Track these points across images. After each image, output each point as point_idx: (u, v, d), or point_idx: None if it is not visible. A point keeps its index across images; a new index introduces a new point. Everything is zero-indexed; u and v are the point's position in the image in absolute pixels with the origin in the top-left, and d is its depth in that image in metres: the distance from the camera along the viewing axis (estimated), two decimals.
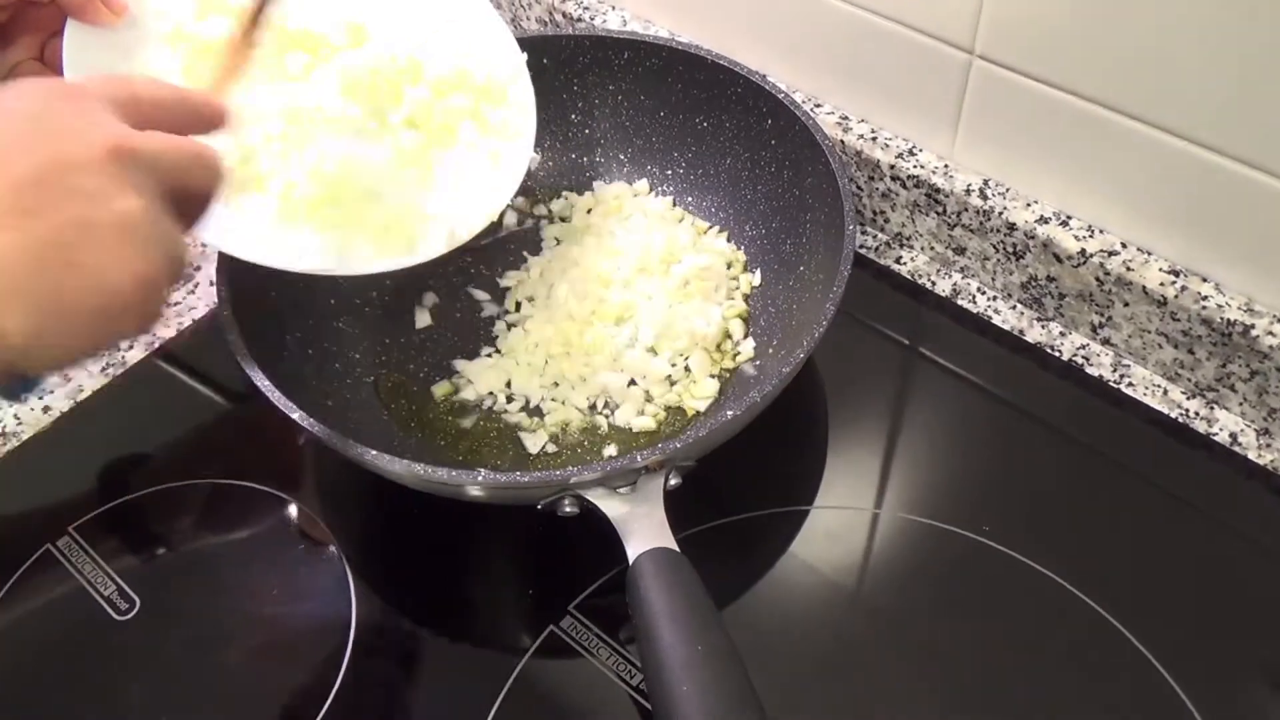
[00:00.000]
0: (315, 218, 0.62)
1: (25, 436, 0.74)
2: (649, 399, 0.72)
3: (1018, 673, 0.61)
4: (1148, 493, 0.69)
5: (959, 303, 0.79)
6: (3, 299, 0.38)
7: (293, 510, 0.70)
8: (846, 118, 0.81)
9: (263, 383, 0.60)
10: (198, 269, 0.83)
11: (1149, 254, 0.71)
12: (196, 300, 0.82)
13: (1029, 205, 0.75)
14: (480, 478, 0.59)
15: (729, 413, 0.60)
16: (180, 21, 0.63)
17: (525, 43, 0.79)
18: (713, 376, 0.72)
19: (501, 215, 0.73)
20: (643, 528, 0.57)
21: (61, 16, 0.59)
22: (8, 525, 0.71)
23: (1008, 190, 0.76)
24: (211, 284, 0.81)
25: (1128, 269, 0.71)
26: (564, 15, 0.92)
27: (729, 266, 0.78)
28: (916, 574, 0.65)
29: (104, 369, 0.77)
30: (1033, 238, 0.74)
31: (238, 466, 0.71)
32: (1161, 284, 0.70)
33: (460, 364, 0.74)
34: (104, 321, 0.41)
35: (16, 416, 0.75)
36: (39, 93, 0.43)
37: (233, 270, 0.66)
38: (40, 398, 0.75)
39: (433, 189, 0.67)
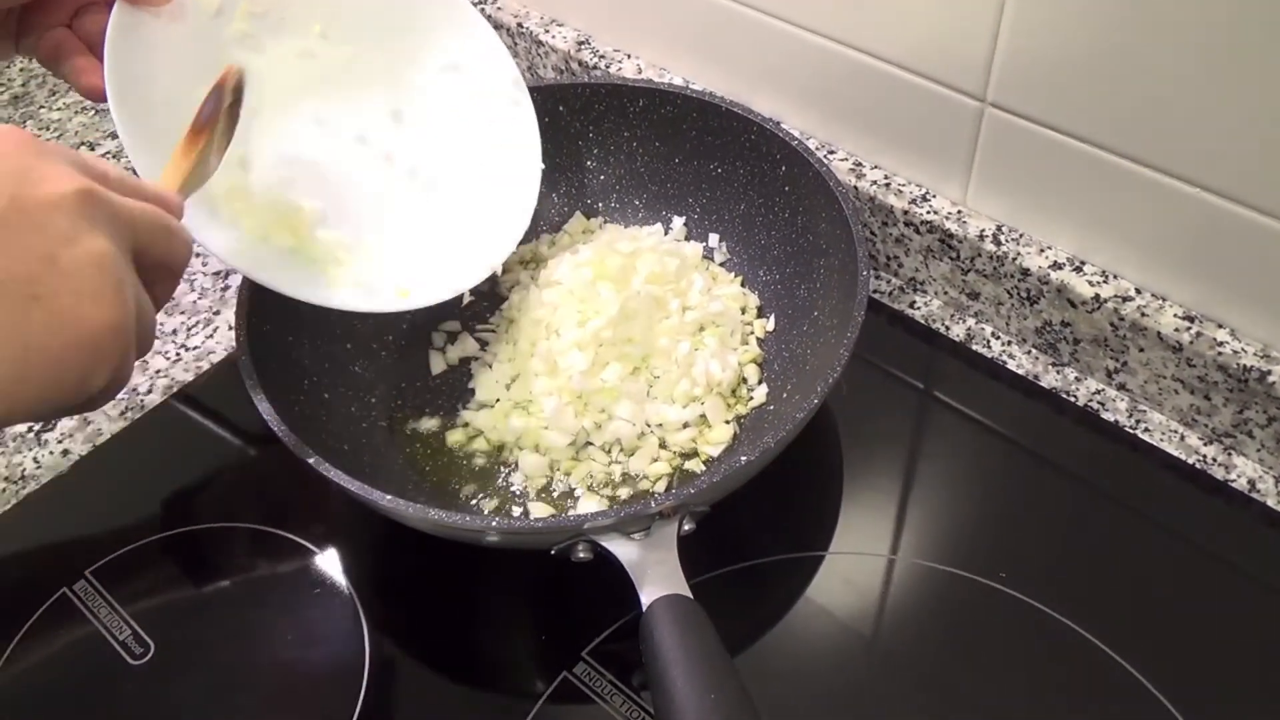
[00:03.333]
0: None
1: (44, 480, 0.74)
2: (663, 445, 0.72)
3: None
4: (1165, 539, 0.68)
5: (973, 348, 0.79)
6: None
7: (307, 554, 0.70)
8: (860, 164, 0.82)
9: (279, 427, 0.61)
10: (217, 314, 0.84)
11: (1164, 300, 0.71)
12: (215, 344, 0.82)
13: (1043, 251, 0.75)
14: (495, 523, 0.60)
15: (743, 458, 0.60)
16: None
17: (542, 90, 0.80)
18: (727, 422, 0.72)
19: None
20: (656, 574, 0.57)
21: None
22: (25, 569, 0.71)
23: (1021, 236, 0.76)
24: (230, 328, 0.82)
25: (1142, 315, 0.70)
26: (580, 63, 0.93)
27: (743, 312, 0.79)
28: (932, 621, 0.65)
29: (122, 412, 0.77)
30: (1046, 283, 0.74)
31: (253, 511, 0.72)
32: (1176, 330, 0.69)
33: (473, 412, 0.75)
34: (73, 366, 0.38)
35: (36, 460, 0.75)
36: (7, 138, 0.41)
37: (251, 314, 0.66)
38: (60, 441, 0.76)
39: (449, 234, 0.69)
